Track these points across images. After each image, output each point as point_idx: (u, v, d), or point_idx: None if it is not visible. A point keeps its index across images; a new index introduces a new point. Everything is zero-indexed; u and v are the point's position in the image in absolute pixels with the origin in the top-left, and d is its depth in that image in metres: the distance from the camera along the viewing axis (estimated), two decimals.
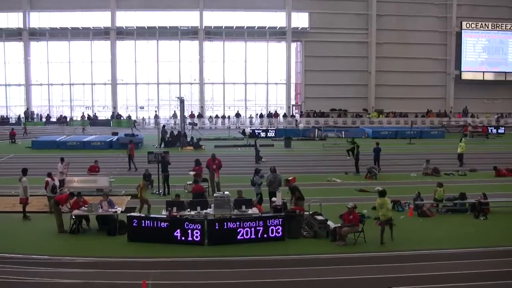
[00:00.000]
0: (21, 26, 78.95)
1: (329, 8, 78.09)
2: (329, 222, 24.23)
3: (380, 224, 23.32)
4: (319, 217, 24.45)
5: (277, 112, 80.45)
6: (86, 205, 25.60)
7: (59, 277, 19.39)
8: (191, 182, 32.23)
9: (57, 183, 30.55)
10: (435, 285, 18.34)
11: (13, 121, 77.31)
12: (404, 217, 27.58)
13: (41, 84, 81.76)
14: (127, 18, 78.89)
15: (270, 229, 23.30)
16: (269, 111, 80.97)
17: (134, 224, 23.71)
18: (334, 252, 22.00)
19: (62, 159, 34.63)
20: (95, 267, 20.70)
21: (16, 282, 18.71)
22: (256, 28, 78.85)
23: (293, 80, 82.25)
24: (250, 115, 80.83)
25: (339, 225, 23.34)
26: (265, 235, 23.26)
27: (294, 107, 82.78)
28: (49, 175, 30.38)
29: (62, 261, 21.37)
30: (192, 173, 33.72)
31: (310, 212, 25.19)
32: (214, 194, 26.26)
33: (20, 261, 21.35)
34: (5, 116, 79.45)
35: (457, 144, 46.04)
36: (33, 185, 29.53)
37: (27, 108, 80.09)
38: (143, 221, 23.57)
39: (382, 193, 23.65)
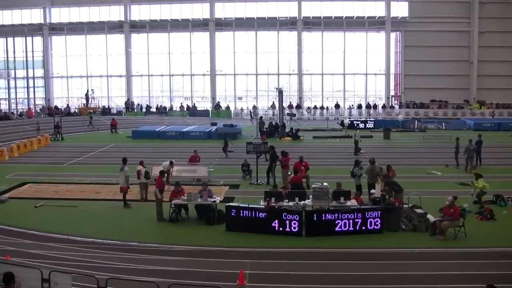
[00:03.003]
0: (123, 19, 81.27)
1: None
2: (428, 216, 23.84)
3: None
4: (419, 210, 24.08)
5: (376, 103, 79.59)
6: (184, 195, 26.09)
7: (158, 264, 19.85)
8: (290, 173, 32.32)
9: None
10: None
11: (114, 111, 79.57)
12: (507, 213, 26.74)
13: (141, 75, 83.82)
14: (226, 10, 79.63)
15: (368, 221, 23.15)
16: (368, 102, 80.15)
17: (232, 214, 24.01)
18: (434, 247, 21.63)
19: (171, 163, 34.76)
20: (193, 255, 21.08)
21: (116, 267, 19.25)
22: (354, 18, 78.11)
23: (392, 70, 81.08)
24: (349, 106, 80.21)
25: (439, 218, 22.94)
26: (363, 227, 23.13)
27: (393, 98, 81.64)
28: (141, 163, 31.24)
29: (161, 249, 21.91)
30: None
31: (409, 205, 24.85)
32: (313, 186, 26.17)
33: (120, 248, 22.02)
34: (106, 107, 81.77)
35: None
36: (133, 174, 30.30)
37: (127, 99, 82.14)
38: (241, 211, 23.83)
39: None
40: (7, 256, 18.99)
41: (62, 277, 14.53)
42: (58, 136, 57.58)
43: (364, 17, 78.07)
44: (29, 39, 78.88)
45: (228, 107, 79.66)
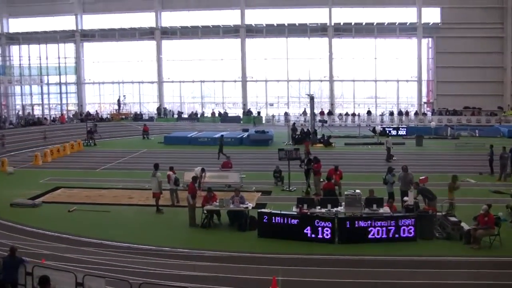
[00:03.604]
0: (154, 25, 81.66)
1: (461, 2, 75.44)
2: (462, 224, 23.61)
3: None
4: (452, 218, 23.87)
5: (408, 110, 79.05)
6: (216, 200, 26.16)
7: (189, 269, 19.96)
8: (323, 180, 32.23)
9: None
10: None
11: (146, 117, 79.93)
12: None
13: (172, 81, 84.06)
14: (256, 16, 79.77)
15: (401, 229, 23.01)
16: (400, 109, 79.63)
17: (264, 220, 24.05)
18: (468, 255, 21.42)
19: (203, 169, 34.72)
20: (225, 261, 21.14)
21: (149, 272, 19.40)
22: (386, 24, 77.66)
23: (424, 77, 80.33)
24: (381, 113, 79.74)
25: (474, 227, 22.69)
26: (396, 235, 23.00)
27: (425, 105, 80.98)
28: (171, 169, 31.49)
29: (193, 254, 21.99)
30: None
31: (443, 213, 24.64)
32: (345, 192, 26.07)
33: (153, 253, 22.17)
34: (138, 113, 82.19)
35: None
36: (165, 180, 30.45)
37: (159, 105, 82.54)
38: (273, 217, 23.84)
39: None
40: (42, 260, 19.22)
41: (96, 281, 14.72)
42: (91, 141, 58.09)
43: (396, 23, 77.52)
44: (61, 45, 79.46)
45: (259, 113, 79.62)
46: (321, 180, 32.63)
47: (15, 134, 60.47)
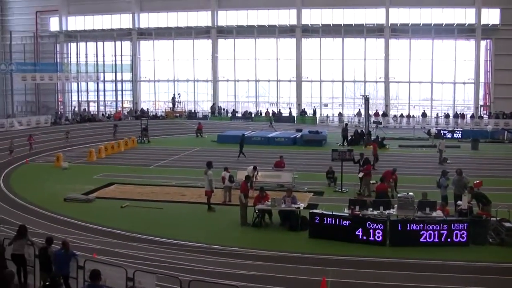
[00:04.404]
0: (210, 24, 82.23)
1: None
2: None
3: None
4: (507, 224, 23.43)
5: (464, 112, 77.90)
6: (268, 200, 26.20)
7: (240, 268, 20.03)
8: (374, 181, 32.01)
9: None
10: None
11: (200, 116, 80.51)
12: None
13: (227, 80, 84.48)
14: (312, 16, 79.58)
15: (454, 233, 22.70)
16: (456, 111, 78.51)
17: (316, 221, 23.99)
18: None
19: (255, 168, 34.87)
20: (275, 261, 21.16)
21: (198, 270, 19.56)
22: (443, 25, 76.60)
23: (481, 79, 78.98)
24: (436, 115, 78.65)
25: None
26: (448, 239, 22.70)
27: (482, 108, 79.63)
28: (226, 169, 31.57)
29: (243, 253, 22.06)
30: (361, 174, 33.60)
31: (498, 218, 24.20)
32: (398, 195, 25.82)
33: (205, 250, 22.33)
34: (192, 111, 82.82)
35: None
36: (217, 179, 30.60)
37: (213, 103, 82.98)
38: (325, 218, 23.76)
39: None
40: (94, 254, 19.50)
41: (146, 277, 14.86)
42: (144, 138, 58.70)
43: (453, 24, 76.43)
44: (118, 43, 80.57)
45: (314, 113, 79.38)
46: (372, 181, 32.44)
47: (72, 130, 61.40)
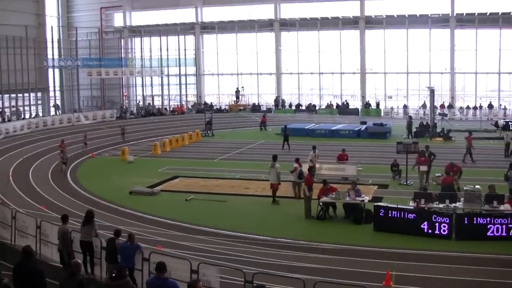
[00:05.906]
0: (273, 17, 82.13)
1: None
2: None
3: None
4: None
5: None
6: (332, 193, 26.12)
7: (304, 261, 20.04)
8: (440, 174, 31.59)
9: (305, 170, 31.34)
10: None
11: (264, 109, 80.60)
12: None
13: (291, 73, 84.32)
14: (376, 7, 78.70)
15: None
16: None
17: (381, 214, 23.86)
18: None
19: (314, 148, 35.28)
20: (340, 254, 21.11)
21: (262, 262, 19.65)
22: None
23: None
24: (504, 106, 76.90)
25: None
26: None
27: None
28: (297, 160, 31.44)
29: (308, 246, 22.08)
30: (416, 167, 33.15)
31: None
32: (464, 188, 25.38)
33: (269, 243, 22.42)
34: (256, 104, 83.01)
35: None
36: (284, 171, 30.63)
37: (277, 96, 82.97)
38: (390, 211, 23.59)
39: None
40: (158, 246, 19.76)
41: (210, 269, 14.96)
42: (209, 132, 59.11)
43: None
44: (181, 37, 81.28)
45: (377, 105, 78.63)
46: (437, 174, 32.04)
47: (136, 124, 62.32)
